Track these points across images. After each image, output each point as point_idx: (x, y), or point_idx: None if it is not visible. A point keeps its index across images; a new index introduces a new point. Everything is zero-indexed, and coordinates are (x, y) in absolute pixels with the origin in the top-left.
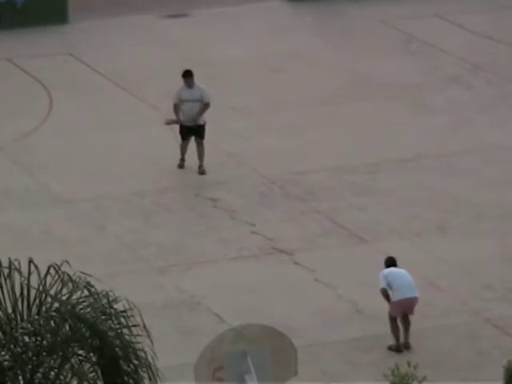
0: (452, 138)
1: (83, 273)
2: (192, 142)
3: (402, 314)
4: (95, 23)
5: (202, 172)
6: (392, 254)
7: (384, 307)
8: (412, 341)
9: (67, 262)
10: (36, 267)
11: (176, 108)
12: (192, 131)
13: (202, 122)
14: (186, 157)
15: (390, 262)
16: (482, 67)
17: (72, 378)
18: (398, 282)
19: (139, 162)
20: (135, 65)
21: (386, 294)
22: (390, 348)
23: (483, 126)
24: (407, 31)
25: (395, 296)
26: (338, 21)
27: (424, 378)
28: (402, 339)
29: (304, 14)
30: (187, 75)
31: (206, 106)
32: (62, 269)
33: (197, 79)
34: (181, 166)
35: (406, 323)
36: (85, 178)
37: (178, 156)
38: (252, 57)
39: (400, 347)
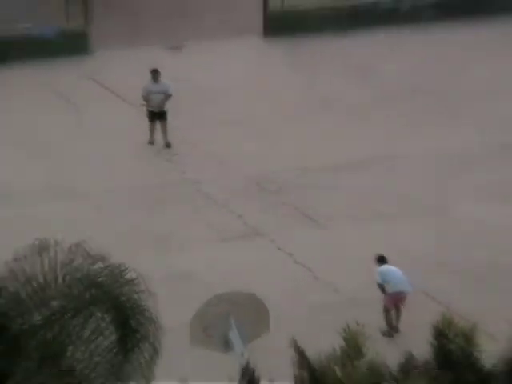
0: (392, 145)
1: (101, 250)
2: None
3: (395, 304)
4: (112, 53)
5: (167, 145)
6: (345, 238)
7: (337, 277)
8: (361, 307)
9: (89, 243)
10: (77, 246)
11: (144, 98)
12: (157, 116)
13: (165, 109)
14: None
15: (383, 260)
16: (416, 90)
17: (92, 334)
18: (393, 278)
19: (142, 165)
20: (141, 86)
21: (382, 288)
22: (384, 334)
23: (416, 137)
24: (358, 61)
25: (390, 289)
26: (303, 53)
27: (369, 336)
28: (393, 323)
29: (276, 47)
30: (154, 72)
31: (169, 96)
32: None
33: (189, 98)
34: (150, 142)
35: (399, 311)
36: (102, 176)
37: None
38: (234, 81)
39: (392, 333)
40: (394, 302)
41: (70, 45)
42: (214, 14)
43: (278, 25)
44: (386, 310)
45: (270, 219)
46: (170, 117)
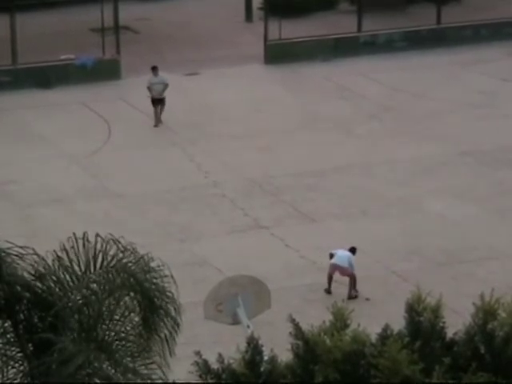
0: (370, 154)
1: (130, 242)
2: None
3: (331, 272)
4: (139, 79)
5: (160, 121)
6: (331, 230)
7: (326, 261)
8: (345, 287)
9: (122, 237)
10: (106, 240)
11: (149, 88)
12: (158, 101)
13: (163, 96)
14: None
15: (351, 249)
16: (390, 108)
17: (124, 311)
18: (337, 254)
19: (165, 171)
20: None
21: (331, 256)
22: (325, 291)
23: (390, 147)
24: (341, 84)
25: (332, 261)
26: (296, 77)
27: (352, 310)
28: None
29: (275, 73)
30: (154, 68)
31: (166, 86)
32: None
33: (204, 116)
34: (156, 125)
35: (331, 279)
36: (132, 180)
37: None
38: (240, 100)
39: (330, 291)
40: (331, 270)
41: (104, 71)
42: (223, 46)
43: (276, 54)
44: (328, 275)
45: (270, 215)
46: (190, 131)
